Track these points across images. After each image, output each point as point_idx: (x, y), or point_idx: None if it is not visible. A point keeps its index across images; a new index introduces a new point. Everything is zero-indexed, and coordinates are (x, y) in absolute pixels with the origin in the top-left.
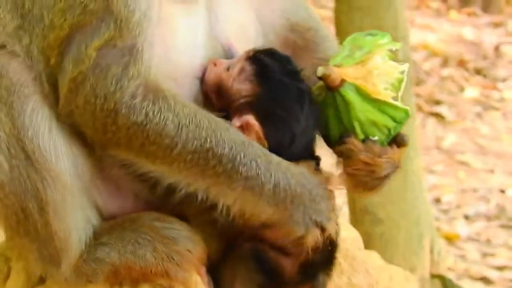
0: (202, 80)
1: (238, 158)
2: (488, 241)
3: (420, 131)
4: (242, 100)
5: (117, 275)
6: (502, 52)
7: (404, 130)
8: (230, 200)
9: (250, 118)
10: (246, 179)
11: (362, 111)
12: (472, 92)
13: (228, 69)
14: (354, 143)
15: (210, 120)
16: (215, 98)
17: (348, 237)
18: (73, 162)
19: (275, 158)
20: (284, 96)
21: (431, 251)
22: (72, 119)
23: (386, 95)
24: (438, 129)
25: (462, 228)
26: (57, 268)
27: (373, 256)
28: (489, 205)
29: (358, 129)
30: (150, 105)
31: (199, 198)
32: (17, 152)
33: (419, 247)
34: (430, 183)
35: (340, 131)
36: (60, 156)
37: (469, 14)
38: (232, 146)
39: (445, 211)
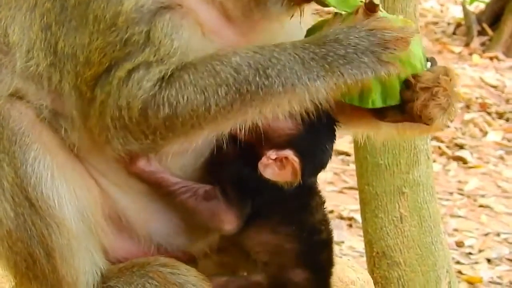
0: None
1: (261, 80)
2: (511, 284)
3: (443, 176)
4: (282, 137)
5: None
6: None
7: (421, 174)
8: (295, 106)
9: (290, 154)
10: (283, 86)
11: None
12: (494, 136)
13: None
14: (426, 76)
15: (221, 61)
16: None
17: (359, 279)
18: (77, 208)
19: (288, 48)
20: (321, 130)
21: None
22: (112, 144)
23: None
24: (460, 173)
25: (484, 272)
26: None
27: None
28: (511, 248)
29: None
30: (168, 92)
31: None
32: (21, 200)
33: None
34: (453, 227)
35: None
36: (63, 202)
37: (491, 59)
38: (250, 71)
39: (467, 255)
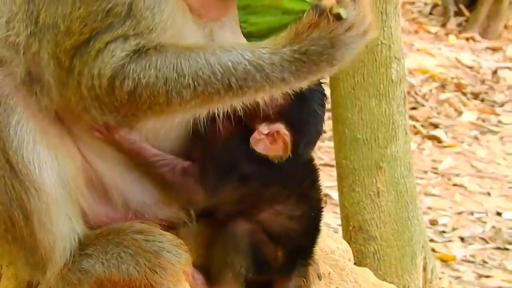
0: None
1: (229, 81)
2: (484, 263)
3: (417, 154)
4: (272, 109)
5: (102, 287)
6: (500, 77)
7: (399, 149)
8: (260, 97)
9: (281, 128)
10: (247, 87)
11: None
12: (469, 116)
13: None
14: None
15: (192, 59)
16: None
17: (338, 248)
18: (57, 173)
19: (262, 53)
20: (311, 101)
21: (424, 270)
22: (90, 114)
23: None
24: (435, 152)
25: (458, 250)
26: (43, 275)
27: (366, 273)
28: (485, 227)
29: None
30: (134, 66)
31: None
32: (2, 163)
33: (412, 266)
34: (427, 206)
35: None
36: (43, 167)
37: (467, 39)
38: (219, 74)
39: (441, 233)
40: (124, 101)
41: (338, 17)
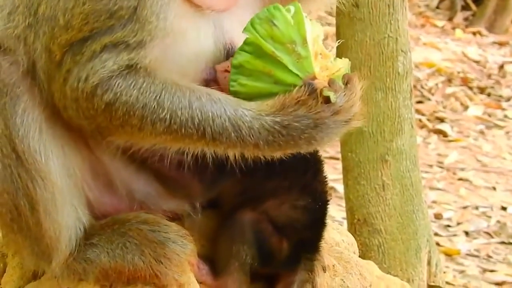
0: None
1: (204, 131)
2: (488, 257)
3: (423, 148)
4: None
5: (107, 277)
6: (507, 71)
7: (404, 143)
8: (233, 152)
9: None
10: (220, 142)
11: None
12: (475, 110)
13: None
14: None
15: (176, 96)
16: None
17: (343, 241)
18: (63, 162)
19: (244, 114)
20: None
21: (429, 263)
22: (67, 113)
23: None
24: (440, 146)
25: (462, 244)
26: (48, 264)
27: (371, 266)
28: (490, 222)
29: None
30: (120, 80)
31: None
32: (8, 152)
33: (416, 259)
34: (432, 199)
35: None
36: (50, 156)
37: (474, 33)
38: (196, 120)
39: (446, 227)
40: (100, 110)
41: (327, 100)
